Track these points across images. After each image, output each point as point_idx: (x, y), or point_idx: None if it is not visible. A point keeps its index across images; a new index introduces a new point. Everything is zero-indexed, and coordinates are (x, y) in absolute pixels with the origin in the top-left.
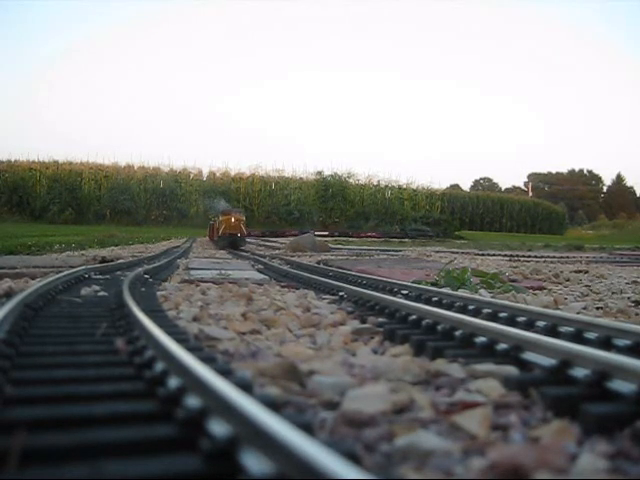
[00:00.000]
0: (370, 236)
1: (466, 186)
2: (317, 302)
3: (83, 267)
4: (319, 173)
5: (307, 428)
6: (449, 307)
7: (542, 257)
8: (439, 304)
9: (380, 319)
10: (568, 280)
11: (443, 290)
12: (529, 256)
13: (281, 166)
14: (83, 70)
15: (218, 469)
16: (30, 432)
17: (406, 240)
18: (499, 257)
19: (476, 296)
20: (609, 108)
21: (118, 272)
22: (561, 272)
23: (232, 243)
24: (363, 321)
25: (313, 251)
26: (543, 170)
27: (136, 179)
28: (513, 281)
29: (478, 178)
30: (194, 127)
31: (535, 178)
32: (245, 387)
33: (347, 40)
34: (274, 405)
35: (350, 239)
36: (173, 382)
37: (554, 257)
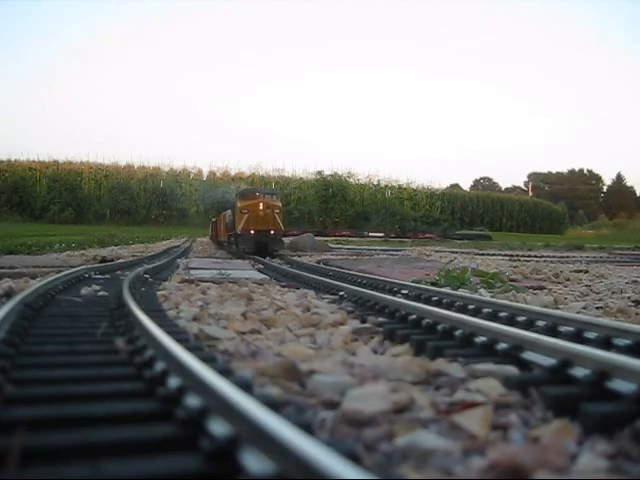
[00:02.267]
0: (428, 237)
1: (466, 186)
2: (317, 302)
3: (83, 267)
4: (319, 173)
5: (307, 428)
6: (449, 307)
7: (542, 257)
8: (439, 304)
9: (380, 319)
10: (568, 280)
11: (443, 290)
12: (529, 256)
13: (281, 166)
14: (83, 70)
15: (218, 469)
16: (30, 432)
17: (406, 240)
18: (499, 257)
19: (476, 296)
20: (609, 108)
21: (118, 272)
22: (561, 272)
23: (260, 246)
24: (363, 321)
25: (313, 251)
26: (543, 170)
27: (136, 179)
28: (513, 281)
29: (478, 178)
30: (194, 127)
31: (535, 178)
32: (245, 387)
33: (347, 40)
34: (274, 405)
35: (351, 239)
36: (173, 382)
37: (554, 257)
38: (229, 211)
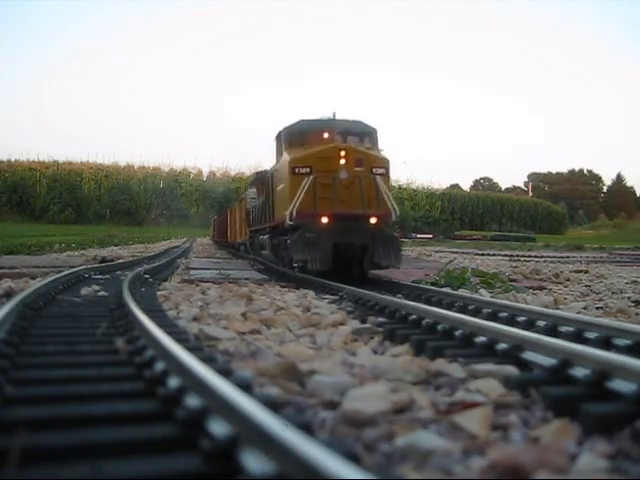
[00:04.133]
0: (475, 239)
1: (466, 186)
2: (317, 302)
3: (83, 267)
4: None
5: (307, 428)
6: (449, 307)
7: (542, 257)
8: (439, 304)
9: (380, 319)
10: (568, 280)
11: (443, 290)
12: (529, 256)
13: None
14: (84, 70)
15: (218, 469)
16: (30, 432)
17: (406, 240)
18: (499, 257)
19: (476, 296)
20: (609, 108)
21: (118, 272)
22: (561, 272)
23: (347, 255)
24: (363, 321)
25: None
26: (543, 170)
27: (136, 179)
28: (513, 281)
29: (478, 178)
30: (195, 127)
31: (535, 178)
32: (245, 387)
33: (347, 41)
34: (274, 405)
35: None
36: (173, 382)
37: (554, 257)
38: (251, 191)
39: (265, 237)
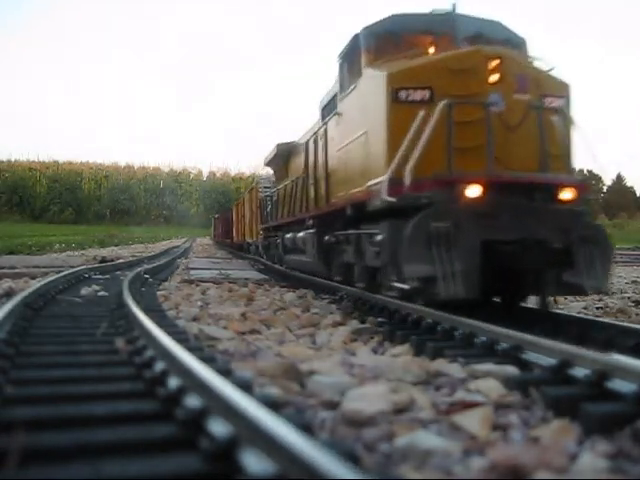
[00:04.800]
0: None
1: None
2: (317, 302)
3: (83, 267)
4: None
5: (307, 428)
6: None
7: None
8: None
9: (380, 319)
10: None
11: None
12: None
13: None
14: (83, 70)
15: (218, 469)
16: (30, 432)
17: None
18: None
19: None
20: (609, 108)
21: (118, 272)
22: None
23: (503, 269)
24: (362, 321)
25: None
26: None
27: (136, 179)
28: None
29: None
30: (195, 127)
31: None
32: (245, 387)
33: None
34: (274, 405)
35: None
36: (173, 382)
37: None
38: (264, 178)
39: (303, 235)
